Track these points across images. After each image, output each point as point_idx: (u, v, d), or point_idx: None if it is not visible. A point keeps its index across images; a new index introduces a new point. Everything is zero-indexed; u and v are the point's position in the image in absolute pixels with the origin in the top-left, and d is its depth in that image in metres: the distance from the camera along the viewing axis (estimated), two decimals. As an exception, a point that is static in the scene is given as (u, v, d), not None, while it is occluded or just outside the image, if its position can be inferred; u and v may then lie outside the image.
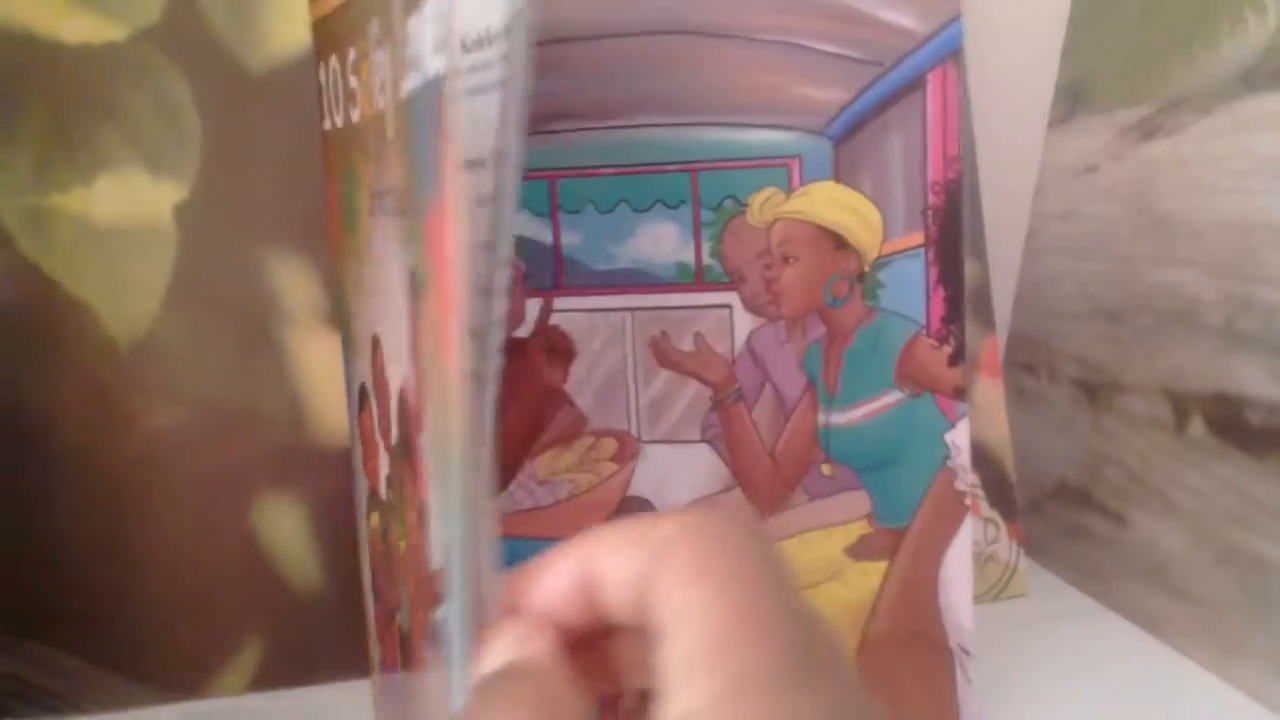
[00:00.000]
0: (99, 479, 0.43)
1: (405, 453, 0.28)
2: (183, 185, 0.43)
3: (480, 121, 0.29)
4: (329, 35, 0.36)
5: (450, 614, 0.22)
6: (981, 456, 0.49)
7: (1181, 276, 0.44)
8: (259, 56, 0.43)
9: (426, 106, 0.23)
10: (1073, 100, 0.52)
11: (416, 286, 0.25)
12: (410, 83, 0.24)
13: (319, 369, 0.44)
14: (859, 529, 0.38)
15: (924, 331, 0.37)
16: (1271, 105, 0.40)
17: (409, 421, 0.27)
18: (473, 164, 0.27)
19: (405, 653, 0.31)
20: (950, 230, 0.36)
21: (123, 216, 0.43)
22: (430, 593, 0.25)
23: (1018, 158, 0.54)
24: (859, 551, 0.38)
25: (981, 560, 0.50)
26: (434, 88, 0.23)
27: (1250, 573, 0.41)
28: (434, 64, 0.22)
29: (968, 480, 0.38)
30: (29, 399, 0.43)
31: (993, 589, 0.50)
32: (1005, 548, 0.50)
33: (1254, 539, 0.41)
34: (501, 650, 0.21)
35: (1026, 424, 0.53)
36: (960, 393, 0.37)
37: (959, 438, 0.37)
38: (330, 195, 0.38)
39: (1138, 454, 0.46)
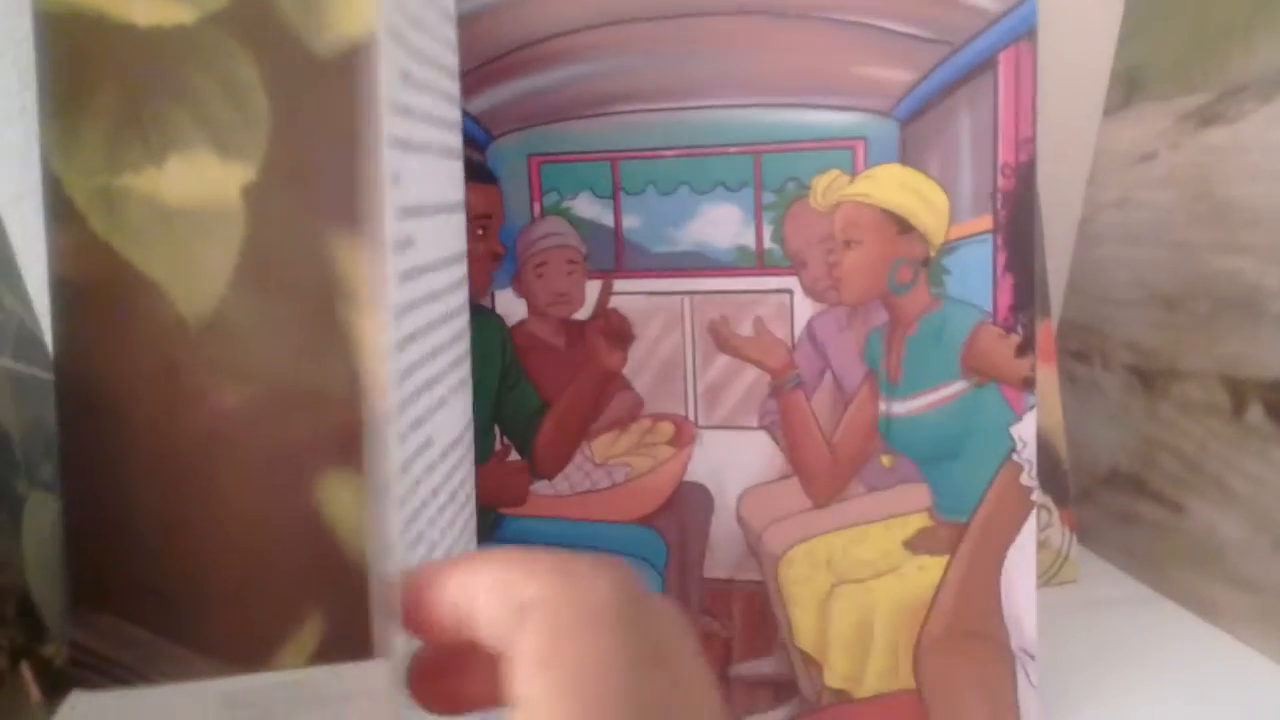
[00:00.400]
0: (167, 455, 0.44)
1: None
2: (251, 166, 0.44)
3: None
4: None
5: None
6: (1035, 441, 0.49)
7: (1241, 263, 0.44)
8: (326, 39, 0.44)
9: None
10: (1129, 88, 0.52)
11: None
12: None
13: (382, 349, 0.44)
14: (918, 521, 0.37)
15: (991, 319, 0.36)
16: (1336, 91, 0.40)
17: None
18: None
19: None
20: (1021, 214, 0.35)
21: (192, 197, 0.43)
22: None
23: (1072, 145, 0.54)
24: (918, 545, 0.38)
25: (1033, 546, 0.50)
26: None
27: (1309, 559, 0.41)
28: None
29: (1034, 475, 0.37)
30: (100, 375, 0.44)
31: (1044, 575, 0.50)
32: (1058, 534, 0.50)
33: (1313, 525, 0.41)
34: None
35: (1078, 411, 0.53)
36: (1029, 384, 0.36)
37: (1025, 431, 0.36)
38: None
39: (1194, 441, 0.46)
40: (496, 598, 0.20)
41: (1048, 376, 0.50)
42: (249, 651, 0.45)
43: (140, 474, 0.44)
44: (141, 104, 0.43)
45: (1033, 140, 0.35)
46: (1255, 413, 0.43)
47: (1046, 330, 0.49)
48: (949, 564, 0.37)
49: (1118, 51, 0.53)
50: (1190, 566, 0.47)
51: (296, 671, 0.46)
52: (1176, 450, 0.47)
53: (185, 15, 0.43)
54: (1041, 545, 0.50)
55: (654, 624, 0.21)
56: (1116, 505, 0.52)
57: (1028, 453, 0.36)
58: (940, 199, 0.36)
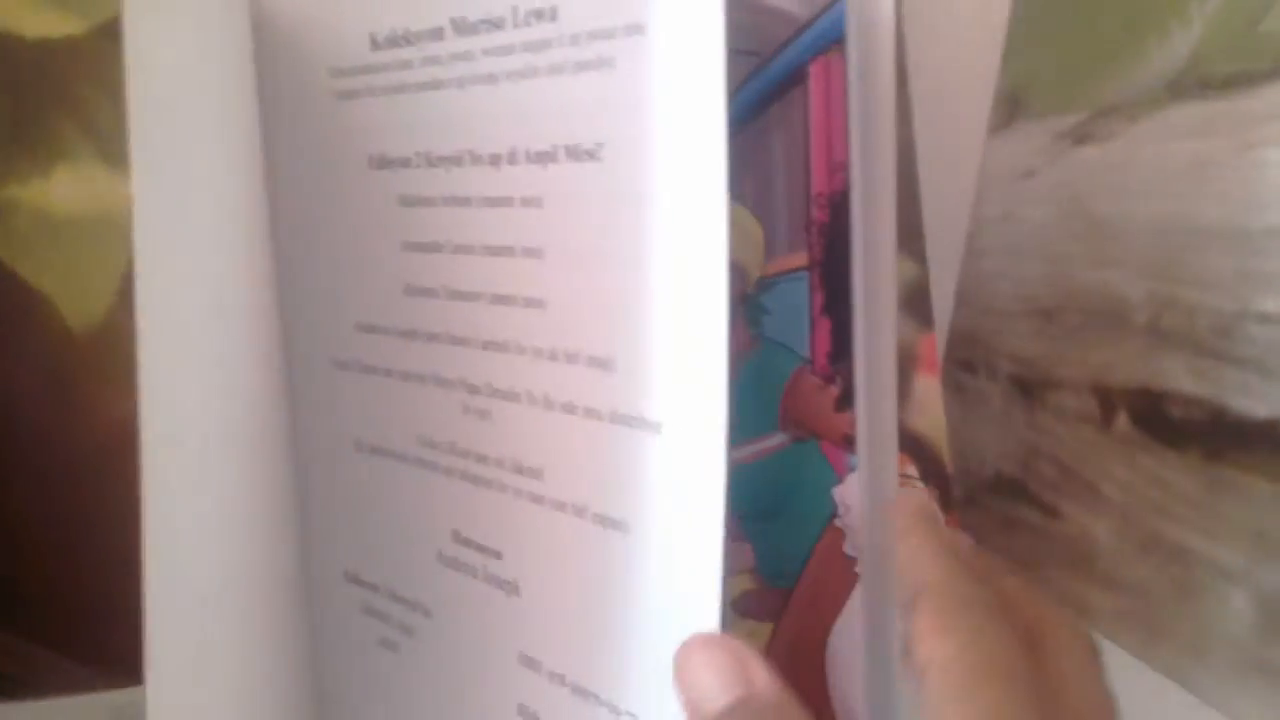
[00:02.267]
0: (56, 466, 0.44)
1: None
2: (140, 178, 0.44)
3: (393, 121, 0.30)
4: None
5: None
6: (920, 449, 0.51)
7: (1110, 277, 0.46)
8: (216, 52, 0.44)
9: None
10: (1012, 107, 0.54)
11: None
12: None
13: (274, 359, 0.45)
14: (743, 583, 0.33)
15: (808, 367, 0.31)
16: (1195, 112, 0.42)
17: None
18: (389, 163, 0.28)
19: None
20: (836, 251, 0.29)
21: (80, 207, 0.43)
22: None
23: (959, 162, 0.56)
24: (743, 608, 0.34)
25: (920, 550, 0.51)
26: None
27: (1172, 561, 0.43)
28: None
29: (859, 543, 0.30)
30: (-14, 387, 0.43)
31: (931, 578, 0.52)
32: (943, 538, 0.52)
33: (1175, 528, 0.43)
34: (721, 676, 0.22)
35: (966, 419, 0.55)
36: (849, 442, 0.30)
37: (848, 494, 0.31)
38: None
39: (1068, 448, 0.48)
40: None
41: (932, 387, 0.51)
42: (138, 664, 0.45)
43: (28, 485, 0.44)
44: (29, 115, 0.43)
45: (846, 167, 0.29)
46: (1122, 420, 0.45)
47: (930, 342, 0.51)
48: (774, 631, 0.34)
49: (1001, 71, 0.55)
50: (1065, 568, 0.49)
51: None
52: (1053, 457, 0.49)
53: (74, 27, 0.43)
54: (928, 549, 0.52)
55: None
56: (1000, 509, 0.54)
57: (851, 518, 0.31)
58: (755, 229, 0.31)
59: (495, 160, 0.28)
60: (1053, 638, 0.27)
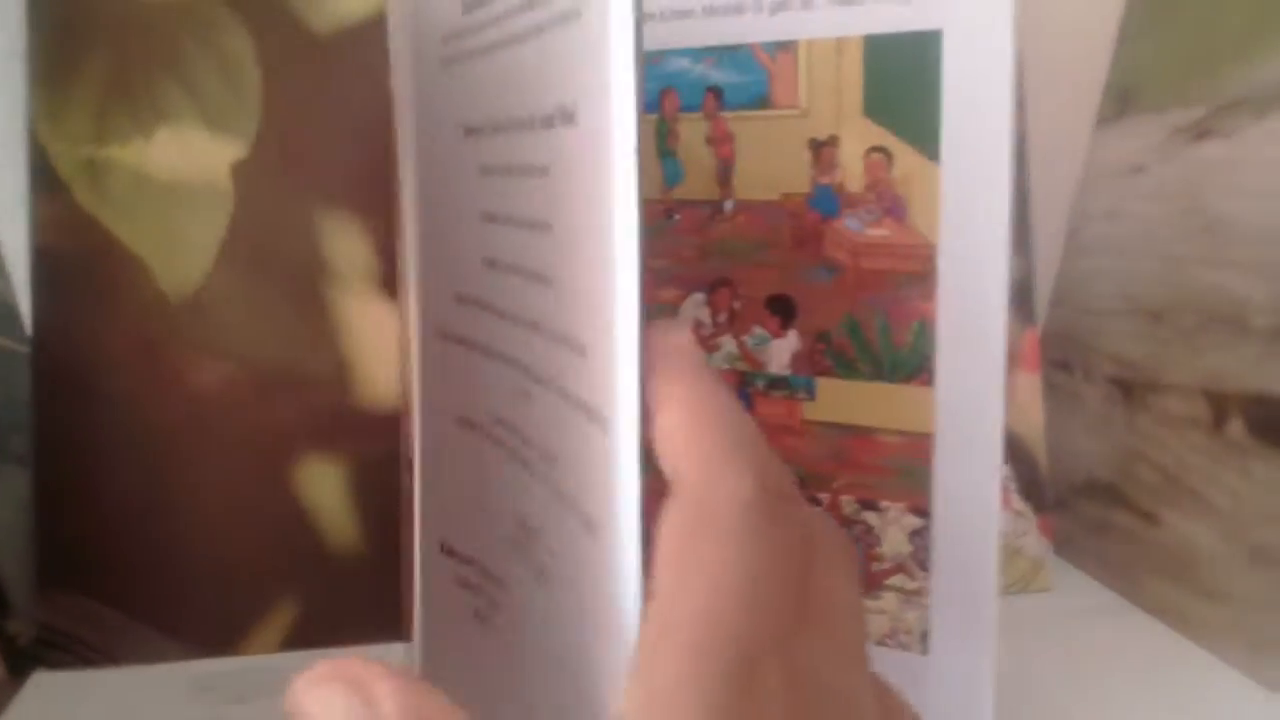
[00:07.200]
0: (144, 433, 0.44)
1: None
2: (241, 143, 0.43)
3: (484, 85, 0.28)
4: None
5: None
6: (1016, 449, 0.50)
7: (1228, 278, 0.44)
8: (324, 17, 0.43)
9: None
10: (1122, 100, 0.52)
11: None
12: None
13: (368, 333, 0.44)
14: None
15: None
16: (1329, 111, 0.40)
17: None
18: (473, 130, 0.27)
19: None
20: None
21: (179, 171, 0.43)
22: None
23: (1062, 156, 0.54)
24: None
25: (1010, 553, 0.50)
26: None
27: (1283, 574, 0.42)
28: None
29: None
30: (78, 349, 0.43)
31: (1019, 583, 0.50)
32: (1034, 541, 0.50)
33: (1289, 541, 0.41)
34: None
35: (1058, 420, 0.54)
36: None
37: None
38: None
39: (1172, 453, 0.47)
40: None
41: (1031, 384, 0.50)
42: (219, 635, 0.45)
43: (115, 451, 0.43)
44: (132, 75, 0.42)
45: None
46: (1235, 427, 0.43)
47: (1032, 338, 0.50)
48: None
49: (1112, 63, 0.53)
50: (1163, 577, 0.47)
51: (268, 656, 0.45)
52: (1154, 462, 0.48)
53: (180, -14, 0.42)
54: (1018, 553, 0.50)
55: (795, 538, 0.21)
56: (1092, 515, 0.52)
57: None
58: None
59: (528, 124, 0.27)
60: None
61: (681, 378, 0.22)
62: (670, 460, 0.21)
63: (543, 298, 0.27)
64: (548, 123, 0.25)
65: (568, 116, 0.24)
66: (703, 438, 0.21)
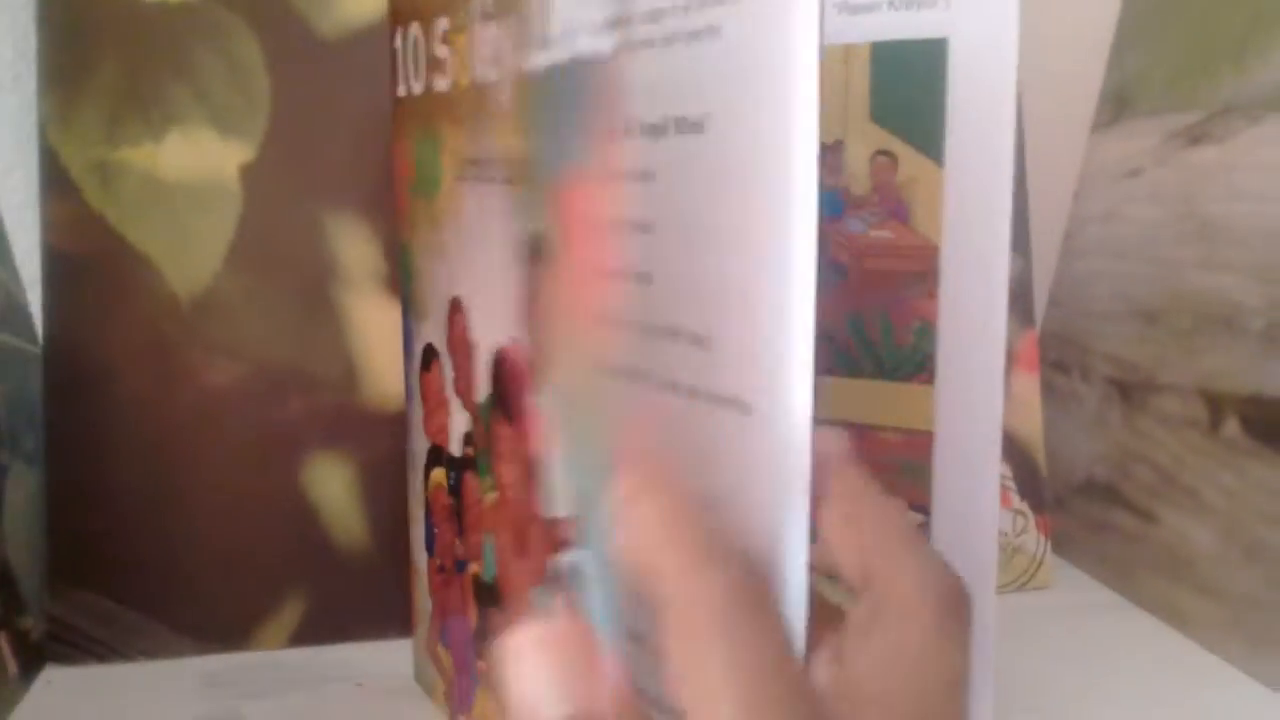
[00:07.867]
0: (154, 431, 0.44)
1: (503, 410, 0.29)
2: (250, 145, 0.44)
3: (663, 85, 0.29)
4: (409, 3, 0.36)
5: (585, 559, 0.23)
6: (1015, 449, 0.50)
7: (1223, 280, 0.45)
8: (331, 21, 0.44)
9: (576, 81, 0.24)
10: (1119, 105, 0.53)
11: (536, 252, 0.25)
12: (543, 58, 0.25)
13: (375, 333, 0.45)
14: None
15: None
16: (1323, 115, 0.41)
17: (511, 380, 0.28)
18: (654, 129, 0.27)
19: (487, 599, 0.32)
20: None
21: (189, 173, 0.43)
22: (547, 539, 0.25)
23: (1059, 159, 0.55)
24: None
25: (1009, 551, 0.51)
26: (588, 64, 0.23)
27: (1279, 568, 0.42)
28: (591, 41, 0.23)
29: None
30: (89, 349, 0.43)
31: (1018, 580, 0.51)
32: (1033, 540, 0.51)
33: (1284, 538, 0.42)
34: None
35: (1056, 421, 0.54)
36: None
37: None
38: (399, 161, 0.39)
39: (1169, 452, 0.47)
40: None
41: (1030, 385, 0.50)
42: (229, 631, 0.45)
43: (126, 449, 0.44)
44: (143, 79, 0.43)
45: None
46: (1231, 426, 0.44)
47: (1031, 340, 0.50)
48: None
49: (1109, 68, 0.54)
50: (1160, 575, 0.48)
51: (277, 652, 0.46)
52: (1152, 461, 0.48)
53: (190, -9, 0.43)
54: (1017, 551, 0.51)
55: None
56: (1091, 513, 0.53)
57: None
58: None
59: (622, 134, 0.27)
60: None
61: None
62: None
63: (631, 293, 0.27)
64: (653, 131, 0.26)
65: (689, 126, 0.25)
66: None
